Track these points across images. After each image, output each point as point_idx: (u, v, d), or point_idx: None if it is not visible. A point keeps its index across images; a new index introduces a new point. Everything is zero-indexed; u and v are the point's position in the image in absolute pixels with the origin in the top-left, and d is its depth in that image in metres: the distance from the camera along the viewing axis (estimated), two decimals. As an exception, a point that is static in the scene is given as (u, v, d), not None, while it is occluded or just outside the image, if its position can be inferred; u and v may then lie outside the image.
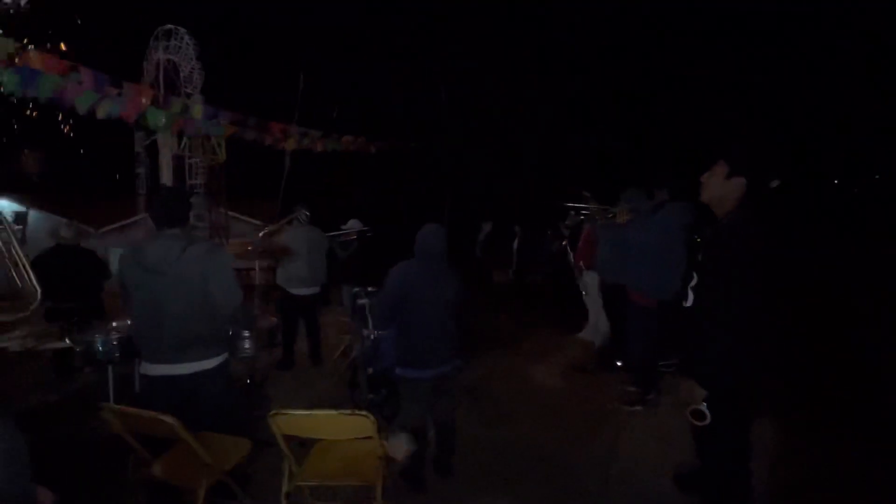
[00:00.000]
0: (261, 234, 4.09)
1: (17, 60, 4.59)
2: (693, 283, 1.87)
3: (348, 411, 2.00)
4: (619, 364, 4.46)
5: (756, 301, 1.72)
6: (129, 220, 17.54)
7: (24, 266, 1.85)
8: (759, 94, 14.51)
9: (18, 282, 1.83)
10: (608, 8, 14.59)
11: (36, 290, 1.87)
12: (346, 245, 5.06)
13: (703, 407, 1.77)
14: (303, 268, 4.43)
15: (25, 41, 4.33)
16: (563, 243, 6.07)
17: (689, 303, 1.89)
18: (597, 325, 5.41)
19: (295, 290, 4.51)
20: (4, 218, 1.88)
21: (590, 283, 5.33)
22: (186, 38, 8.54)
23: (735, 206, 1.84)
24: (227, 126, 5.77)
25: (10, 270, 1.81)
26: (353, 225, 5.26)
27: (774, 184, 1.81)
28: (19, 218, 11.86)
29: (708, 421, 1.78)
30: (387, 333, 3.04)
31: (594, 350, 5.22)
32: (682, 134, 13.79)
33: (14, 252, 1.81)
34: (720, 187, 1.85)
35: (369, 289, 3.58)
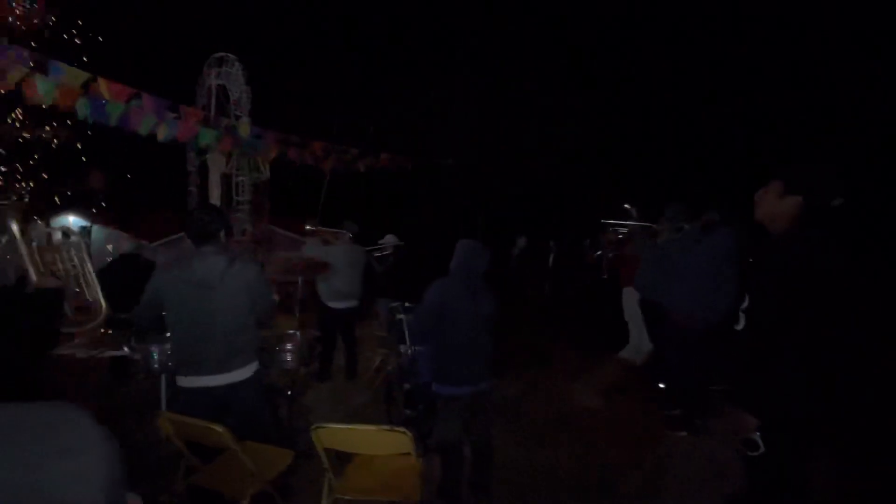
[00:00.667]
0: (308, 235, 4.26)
1: (88, 90, 5.03)
2: (745, 305, 1.79)
3: (387, 427, 2.03)
4: (661, 386, 4.29)
5: (813, 325, 1.63)
6: (178, 235, 18.65)
7: (93, 283, 2.00)
8: (824, 107, 13.72)
9: (88, 296, 1.98)
10: (658, 15, 14.33)
11: (102, 306, 2.01)
12: (383, 260, 5.16)
13: (756, 436, 1.68)
14: (342, 282, 4.54)
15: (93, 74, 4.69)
16: (598, 254, 5.90)
17: (740, 326, 1.81)
18: (639, 344, 5.24)
19: (334, 304, 4.63)
20: (82, 238, 2.04)
21: (630, 302, 5.18)
22: (237, 64, 9.08)
23: (790, 226, 1.76)
24: (272, 145, 6.07)
25: (80, 287, 1.96)
26: (390, 240, 5.36)
27: (837, 202, 1.72)
28: (84, 232, 12.82)
29: (761, 451, 1.69)
30: (424, 349, 3.06)
31: (635, 371, 5.05)
32: (735, 149, 13.28)
33: (87, 271, 1.97)
34: (774, 206, 1.78)
35: (406, 304, 3.63)
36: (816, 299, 1.63)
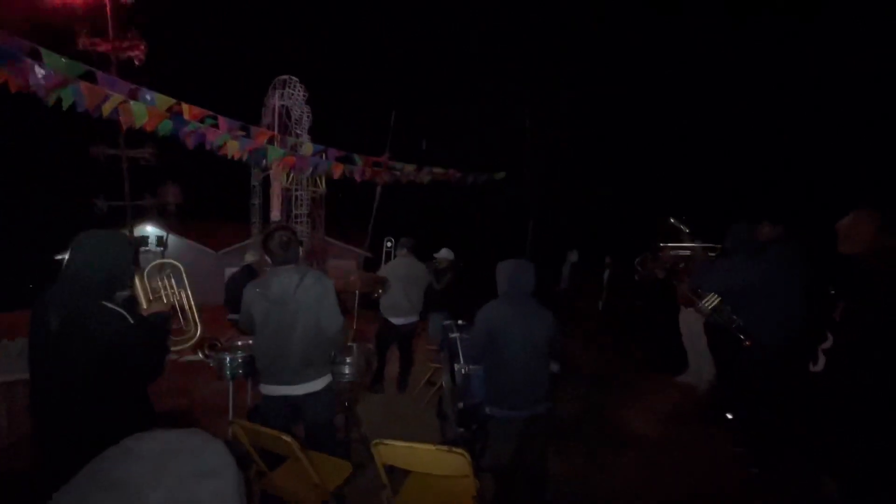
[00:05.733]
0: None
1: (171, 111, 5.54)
2: (826, 344, 1.62)
3: (446, 448, 2.04)
4: (729, 417, 4.02)
5: None
6: (242, 244, 19.85)
7: (189, 308, 2.18)
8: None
9: (181, 320, 2.16)
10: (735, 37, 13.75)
11: (197, 328, 2.19)
12: (440, 275, 5.20)
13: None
14: (400, 297, 4.64)
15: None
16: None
17: (818, 367, 1.64)
18: (699, 369, 4.95)
19: (393, 319, 4.73)
20: (178, 267, 2.23)
21: (691, 323, 4.91)
22: (298, 85, 9.64)
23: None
24: (334, 164, 6.37)
25: (177, 311, 2.14)
26: (445, 254, 5.41)
27: None
28: (161, 241, 14.00)
29: None
30: (478, 369, 3.06)
31: (696, 396, 4.77)
32: (797, 165, 12.39)
33: (185, 296, 2.15)
34: (873, 238, 1.59)
35: (460, 322, 3.65)
36: None
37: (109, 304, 1.77)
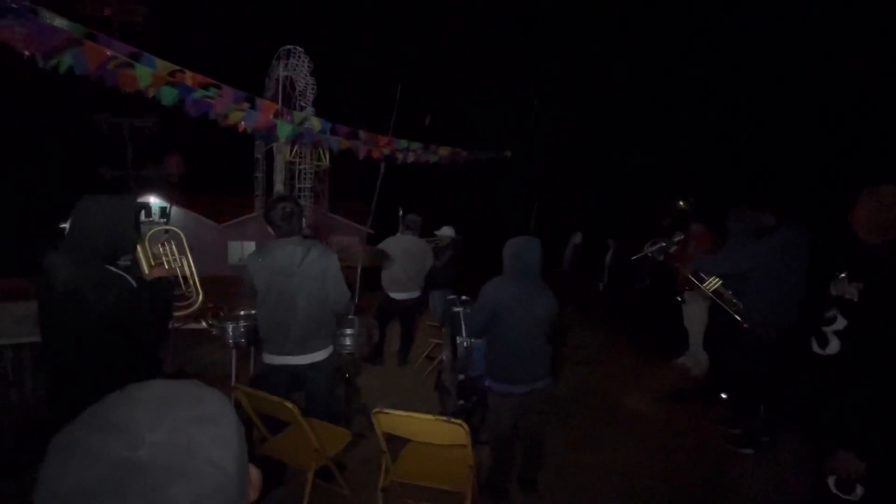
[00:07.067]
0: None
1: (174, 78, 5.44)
2: (837, 326, 1.61)
3: (445, 418, 2.07)
4: (723, 397, 4.07)
5: None
6: (246, 217, 19.86)
7: (191, 274, 2.19)
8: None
9: (182, 287, 2.18)
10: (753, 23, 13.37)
11: (199, 295, 2.20)
12: (440, 253, 5.21)
13: (857, 484, 1.50)
14: (400, 273, 4.66)
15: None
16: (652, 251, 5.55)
17: (828, 350, 1.63)
18: (698, 352, 4.98)
19: (394, 294, 4.77)
20: (178, 234, 2.23)
21: (693, 307, 4.92)
22: (303, 56, 9.45)
23: None
24: (341, 140, 6.28)
25: (180, 277, 2.16)
26: (446, 232, 5.40)
27: None
28: (164, 213, 14.00)
29: (857, 497, 1.52)
30: (479, 343, 3.09)
31: (693, 379, 4.81)
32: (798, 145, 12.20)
33: (186, 263, 2.16)
34: (881, 214, 1.58)
35: (463, 297, 3.66)
36: None
37: (113, 268, 1.77)
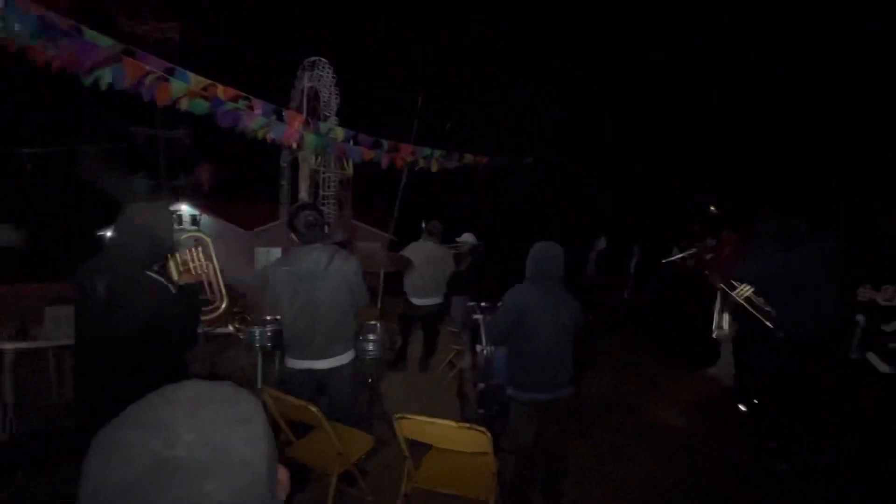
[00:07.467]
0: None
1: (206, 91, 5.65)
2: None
3: (468, 425, 2.07)
4: (742, 409, 3.93)
5: None
6: (271, 224, 20.34)
7: (217, 280, 2.26)
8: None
9: (209, 292, 2.25)
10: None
11: (224, 299, 2.27)
12: (460, 259, 5.21)
13: None
14: (421, 279, 4.68)
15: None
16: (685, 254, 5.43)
17: (887, 369, 1.53)
18: (729, 362, 4.82)
19: (416, 300, 4.79)
20: (206, 240, 2.31)
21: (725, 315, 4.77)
22: (327, 67, 9.66)
23: None
24: (364, 151, 6.41)
25: (206, 283, 2.23)
26: (467, 238, 5.40)
27: None
28: (194, 220, 14.47)
29: None
30: (500, 351, 3.07)
31: (724, 390, 4.65)
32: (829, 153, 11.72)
33: (213, 269, 2.24)
34: None
35: (483, 304, 3.65)
36: None
37: (153, 274, 1.85)
